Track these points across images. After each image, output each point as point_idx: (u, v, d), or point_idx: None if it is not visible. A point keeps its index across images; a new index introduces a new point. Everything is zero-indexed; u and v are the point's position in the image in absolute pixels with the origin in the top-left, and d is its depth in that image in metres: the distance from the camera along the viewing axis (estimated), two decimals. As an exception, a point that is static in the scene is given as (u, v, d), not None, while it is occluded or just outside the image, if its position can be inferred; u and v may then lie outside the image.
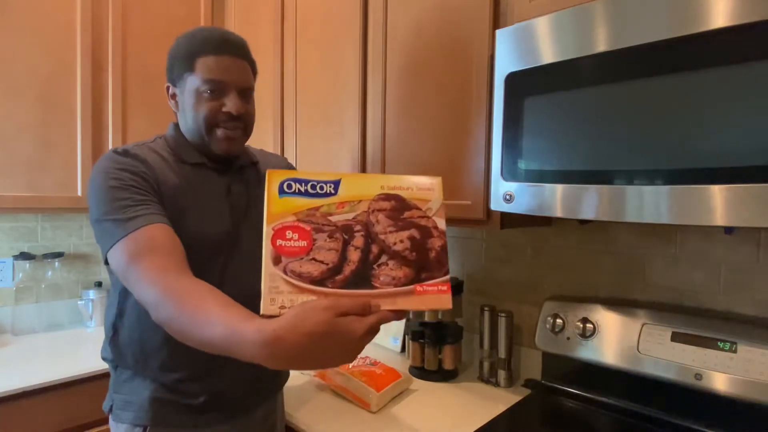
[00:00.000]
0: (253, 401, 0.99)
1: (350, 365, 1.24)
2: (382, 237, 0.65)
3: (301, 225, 0.64)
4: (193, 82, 0.88)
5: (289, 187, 0.66)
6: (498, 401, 1.19)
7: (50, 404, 1.35)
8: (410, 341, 1.38)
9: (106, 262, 0.80)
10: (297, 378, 1.29)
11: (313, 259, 0.63)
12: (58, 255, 1.83)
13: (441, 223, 0.68)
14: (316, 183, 0.67)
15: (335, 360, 0.58)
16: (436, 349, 1.33)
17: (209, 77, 0.87)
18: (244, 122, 0.92)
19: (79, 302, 1.82)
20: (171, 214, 0.85)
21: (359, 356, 1.30)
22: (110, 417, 0.94)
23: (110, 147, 1.69)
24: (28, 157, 1.53)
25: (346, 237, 0.65)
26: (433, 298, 0.64)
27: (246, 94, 0.92)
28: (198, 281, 0.70)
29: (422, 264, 0.65)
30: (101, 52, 1.66)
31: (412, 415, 1.10)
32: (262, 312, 0.60)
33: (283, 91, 1.61)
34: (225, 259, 0.91)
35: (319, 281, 0.62)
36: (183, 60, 0.88)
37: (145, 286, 0.70)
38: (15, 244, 1.78)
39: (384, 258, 0.65)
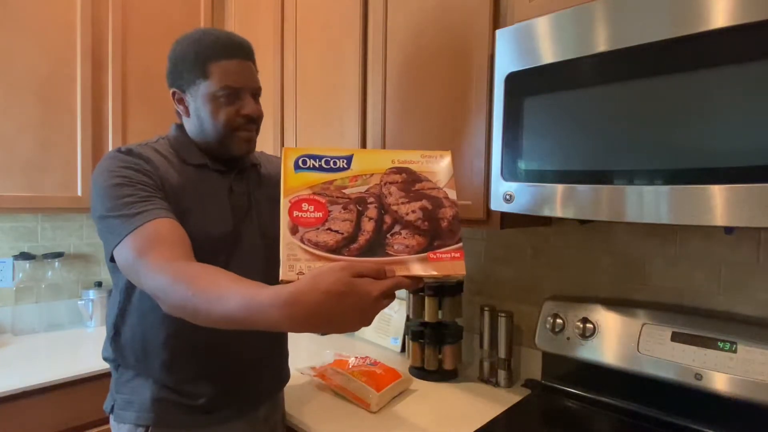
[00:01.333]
0: (254, 402, 0.99)
1: (350, 365, 1.24)
2: (394, 208, 0.68)
3: (316, 197, 0.67)
4: (207, 88, 0.88)
5: (304, 162, 0.69)
6: (498, 401, 1.19)
7: (50, 404, 1.35)
8: (410, 341, 1.38)
9: (111, 260, 0.79)
10: (297, 378, 1.29)
11: (329, 229, 0.65)
12: (58, 255, 1.83)
13: (452, 194, 0.70)
14: (329, 158, 0.69)
15: (352, 320, 0.58)
16: (436, 349, 1.33)
17: (226, 84, 0.88)
18: (258, 123, 0.95)
19: (79, 302, 1.82)
20: (174, 213, 0.85)
21: (359, 356, 1.31)
22: (111, 417, 0.94)
23: (110, 147, 1.69)
24: (28, 157, 1.53)
25: (359, 208, 0.67)
26: (447, 264, 0.66)
27: (257, 94, 0.94)
28: (206, 265, 0.71)
29: (435, 233, 0.67)
30: (101, 51, 1.66)
31: (412, 415, 1.10)
32: (281, 278, 0.62)
33: (283, 91, 1.61)
34: (226, 258, 0.91)
35: (335, 249, 0.64)
36: (193, 66, 0.88)
37: (154, 275, 0.70)
38: (15, 244, 1.78)
39: (397, 228, 0.67)
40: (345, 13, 1.38)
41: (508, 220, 1.06)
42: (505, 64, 0.93)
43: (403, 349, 1.56)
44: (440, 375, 1.33)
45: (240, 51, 0.90)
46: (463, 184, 1.10)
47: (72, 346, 1.61)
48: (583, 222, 1.20)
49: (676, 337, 1.01)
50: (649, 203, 0.75)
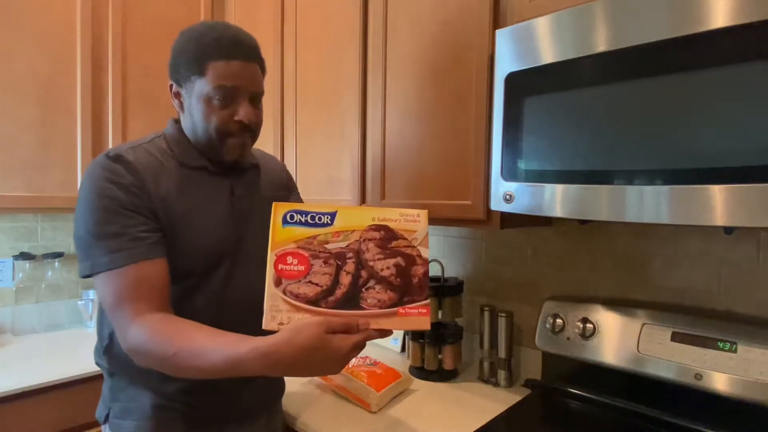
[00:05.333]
0: (255, 409, 0.98)
1: (350, 365, 1.24)
2: (371, 263, 0.73)
3: (300, 251, 0.72)
4: (202, 87, 0.82)
5: (292, 217, 0.73)
6: (498, 401, 1.19)
7: (50, 404, 1.35)
8: (410, 341, 1.38)
9: (84, 276, 0.79)
10: (297, 378, 1.29)
11: (310, 281, 0.71)
12: (58, 255, 1.83)
13: (425, 252, 0.75)
14: (315, 214, 0.74)
15: (323, 371, 0.67)
16: (436, 349, 1.33)
17: (221, 83, 0.81)
18: (253, 129, 0.89)
19: (79, 302, 1.82)
20: (167, 223, 0.82)
21: (360, 356, 1.31)
22: (106, 427, 0.90)
23: (110, 147, 1.68)
24: (28, 157, 1.53)
25: (339, 263, 0.72)
26: (414, 320, 0.72)
27: (257, 98, 0.88)
28: (180, 320, 0.75)
29: (405, 289, 0.73)
30: (101, 51, 1.66)
31: (412, 415, 1.10)
32: (264, 326, 0.68)
33: (283, 91, 1.61)
34: (229, 265, 0.88)
35: (313, 301, 0.70)
36: (191, 62, 0.82)
37: (131, 332, 0.74)
38: (15, 244, 1.78)
39: (372, 282, 0.72)
40: (345, 13, 1.38)
41: (508, 220, 1.06)
42: (505, 64, 0.93)
43: (403, 349, 1.56)
44: (440, 375, 1.33)
45: (242, 51, 0.83)
46: (463, 183, 1.10)
47: (72, 346, 1.61)
48: (583, 222, 1.20)
49: (676, 337, 1.01)
50: (649, 203, 0.75)
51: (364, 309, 0.71)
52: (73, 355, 1.52)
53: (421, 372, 1.34)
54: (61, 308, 1.86)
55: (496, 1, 1.03)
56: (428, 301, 0.73)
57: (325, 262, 0.72)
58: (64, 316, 1.87)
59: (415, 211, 0.76)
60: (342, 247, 0.73)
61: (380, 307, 0.71)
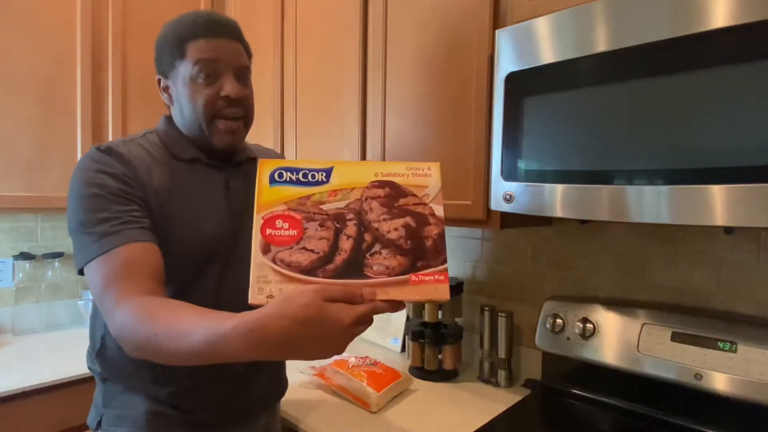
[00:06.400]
0: (251, 413, 0.96)
1: (349, 365, 1.24)
2: (375, 225, 0.63)
3: (292, 214, 0.63)
4: (185, 68, 0.82)
5: (281, 176, 0.64)
6: (498, 401, 1.19)
7: (50, 404, 1.35)
8: (410, 341, 1.38)
9: (80, 273, 0.76)
10: (297, 378, 1.29)
11: (304, 248, 0.61)
12: (58, 255, 1.83)
13: (438, 210, 0.65)
14: (307, 171, 0.65)
15: (322, 349, 0.55)
16: (436, 349, 1.33)
17: (201, 57, 0.80)
18: (244, 108, 0.86)
19: (79, 302, 1.82)
20: (160, 218, 0.80)
21: (359, 356, 1.30)
22: None
23: (110, 147, 1.69)
24: (28, 157, 1.53)
25: (337, 226, 0.62)
26: (430, 288, 0.61)
27: (243, 75, 0.86)
28: (168, 299, 0.69)
29: (418, 253, 0.62)
30: (101, 51, 1.66)
31: (412, 415, 1.10)
32: (249, 301, 0.59)
33: (283, 91, 1.61)
34: (223, 262, 0.86)
35: (308, 270, 0.60)
36: (172, 47, 0.82)
37: (116, 314, 0.68)
38: (15, 244, 1.78)
39: (377, 247, 0.62)
40: (345, 13, 1.38)
41: (508, 220, 1.06)
42: (505, 64, 0.93)
43: (403, 349, 1.56)
44: (440, 375, 1.33)
45: (221, 29, 0.82)
46: (463, 183, 1.10)
47: (72, 346, 1.61)
48: (583, 222, 1.20)
49: (676, 337, 1.01)
50: (649, 203, 0.75)
51: (369, 278, 0.60)
52: (73, 355, 1.52)
53: (421, 372, 1.34)
54: (61, 308, 1.86)
55: (496, 1, 1.03)
56: (446, 266, 0.62)
57: (322, 225, 0.62)
58: (64, 316, 1.86)
59: (425, 164, 0.66)
60: (341, 208, 0.63)
61: (389, 275, 0.60)
